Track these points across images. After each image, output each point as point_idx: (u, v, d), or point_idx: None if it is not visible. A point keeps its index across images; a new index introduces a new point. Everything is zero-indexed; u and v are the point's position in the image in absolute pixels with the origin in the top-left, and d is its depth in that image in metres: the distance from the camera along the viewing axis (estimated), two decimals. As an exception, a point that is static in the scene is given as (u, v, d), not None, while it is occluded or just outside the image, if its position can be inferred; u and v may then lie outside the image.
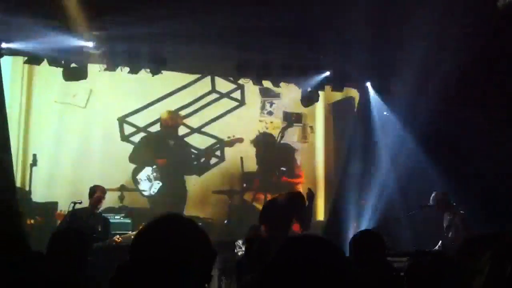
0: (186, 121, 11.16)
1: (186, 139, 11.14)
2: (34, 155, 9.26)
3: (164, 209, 9.66)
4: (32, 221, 8.63)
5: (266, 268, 1.46)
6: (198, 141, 11.20)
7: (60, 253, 3.08)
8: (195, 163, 11.15)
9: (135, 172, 10.62)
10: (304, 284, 1.37)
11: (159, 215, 1.77)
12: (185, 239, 1.66)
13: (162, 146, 10.83)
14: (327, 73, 9.46)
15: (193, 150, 11.16)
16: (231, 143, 11.24)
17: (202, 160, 11.15)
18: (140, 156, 10.67)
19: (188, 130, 11.16)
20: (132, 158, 10.64)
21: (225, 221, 10.04)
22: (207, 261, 1.68)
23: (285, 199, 6.63)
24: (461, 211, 7.53)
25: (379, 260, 3.59)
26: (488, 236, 2.74)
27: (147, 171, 10.64)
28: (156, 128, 10.90)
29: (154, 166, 10.67)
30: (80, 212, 7.21)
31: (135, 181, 10.56)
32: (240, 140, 11.26)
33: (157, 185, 10.53)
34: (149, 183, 10.58)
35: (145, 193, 10.55)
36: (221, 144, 11.30)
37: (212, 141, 11.27)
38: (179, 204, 10.53)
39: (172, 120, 10.94)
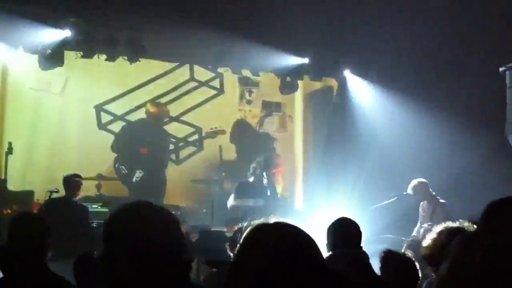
0: (168, 111, 11.09)
1: (165, 127, 11.07)
2: (10, 143, 9.10)
3: (144, 197, 9.61)
4: (9, 211, 8.51)
5: (234, 257, 1.44)
6: (176, 130, 11.15)
7: (20, 239, 2.99)
8: (174, 152, 11.11)
9: (116, 160, 10.52)
10: (273, 272, 1.35)
11: (130, 202, 1.77)
12: (154, 225, 1.64)
13: (143, 136, 10.74)
14: (306, 61, 9.49)
15: (171, 139, 11.11)
16: (213, 134, 11.21)
17: (182, 149, 11.12)
18: (122, 145, 10.58)
19: (166, 119, 11.10)
20: (113, 147, 10.54)
21: (204, 210, 10.05)
22: (179, 249, 1.66)
23: None
24: (442, 200, 7.66)
25: (356, 247, 3.64)
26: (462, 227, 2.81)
27: (129, 159, 10.53)
28: (136, 116, 10.81)
29: (135, 155, 10.58)
30: (57, 201, 7.14)
31: (117, 170, 10.45)
32: (222, 132, 11.22)
33: (139, 174, 10.45)
34: (130, 172, 10.48)
35: (127, 182, 10.44)
36: (199, 133, 11.26)
37: (191, 129, 11.23)
38: (159, 193, 10.49)
39: (158, 112, 10.86)
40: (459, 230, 2.91)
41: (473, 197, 6.73)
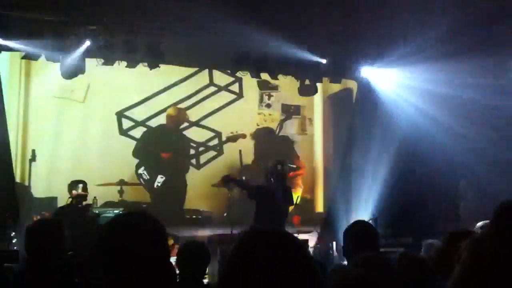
0: (187, 115, 11.16)
1: (184, 132, 11.14)
2: (33, 151, 9.26)
3: (165, 202, 9.69)
4: (38, 218, 8.61)
5: (225, 263, 1.44)
6: (196, 135, 11.21)
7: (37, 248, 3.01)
8: (194, 157, 11.17)
9: (138, 166, 10.62)
10: (263, 279, 1.34)
11: (125, 212, 1.81)
12: (136, 236, 1.67)
13: (165, 141, 10.83)
14: (324, 61, 9.46)
15: (192, 144, 11.17)
16: (234, 138, 11.24)
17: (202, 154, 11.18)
18: (144, 151, 10.68)
19: (186, 124, 11.17)
20: (135, 153, 10.65)
21: (225, 214, 10.07)
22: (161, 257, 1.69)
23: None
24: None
25: (372, 249, 3.58)
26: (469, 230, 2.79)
27: (151, 165, 10.63)
28: (157, 122, 10.90)
29: (157, 161, 10.68)
30: (64, 209, 7.03)
31: (138, 176, 10.56)
32: (243, 136, 11.25)
33: (160, 179, 10.54)
34: (152, 177, 10.57)
35: (149, 187, 10.54)
36: (219, 137, 11.30)
37: (211, 134, 11.28)
38: (180, 198, 10.56)
39: (179, 116, 10.96)
40: (467, 234, 2.88)
41: None
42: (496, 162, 8.17)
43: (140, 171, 10.61)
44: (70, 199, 7.09)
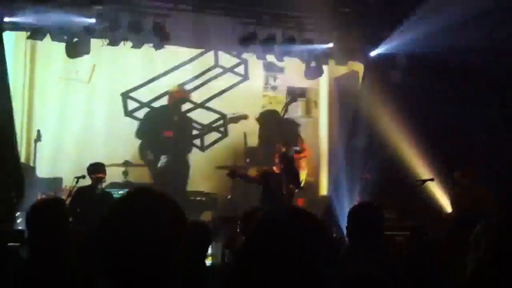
0: (190, 96, 11.11)
1: (189, 114, 11.12)
2: (38, 131, 9.27)
3: (169, 183, 9.69)
4: (44, 197, 8.66)
5: (244, 244, 1.43)
6: (201, 116, 11.19)
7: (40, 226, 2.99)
8: (198, 137, 11.15)
9: (142, 146, 10.61)
10: (283, 259, 1.34)
11: (132, 189, 1.77)
12: (151, 211, 1.64)
13: (167, 120, 10.80)
14: (331, 45, 9.39)
15: (196, 125, 11.15)
16: (236, 119, 11.22)
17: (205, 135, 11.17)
18: (147, 131, 10.67)
19: (191, 105, 11.14)
20: (138, 133, 10.64)
21: (228, 196, 10.09)
22: (176, 235, 1.65)
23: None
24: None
25: (377, 232, 3.54)
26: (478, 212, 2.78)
27: (154, 145, 10.61)
28: (161, 102, 10.88)
29: (160, 140, 10.64)
30: (83, 189, 7.26)
31: (143, 156, 10.53)
32: (245, 117, 11.22)
33: (164, 159, 10.52)
34: (156, 157, 10.55)
35: (152, 168, 10.52)
36: (224, 119, 11.28)
37: (216, 116, 11.26)
38: (184, 178, 10.56)
39: (180, 95, 10.91)
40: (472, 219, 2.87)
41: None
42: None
43: (143, 151, 10.59)
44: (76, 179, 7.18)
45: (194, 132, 11.15)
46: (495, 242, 2.10)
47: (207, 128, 11.21)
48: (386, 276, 2.09)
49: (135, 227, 1.58)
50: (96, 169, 7.35)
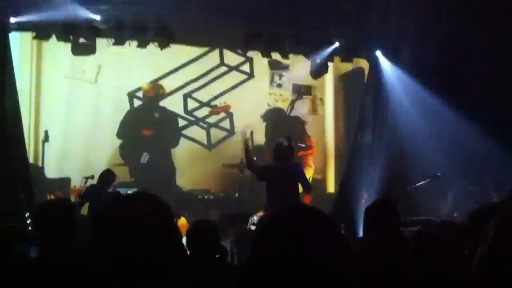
0: (195, 95, 11.12)
1: (195, 113, 11.13)
2: (46, 131, 9.32)
3: (152, 180, 9.48)
4: (52, 197, 8.71)
5: (254, 241, 1.42)
6: (207, 115, 11.21)
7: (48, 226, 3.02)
8: (204, 137, 11.15)
9: (122, 146, 10.41)
10: (295, 257, 1.33)
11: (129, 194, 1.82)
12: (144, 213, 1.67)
13: (147, 118, 10.66)
14: (336, 44, 9.37)
15: (188, 117, 11.05)
16: (217, 112, 11.17)
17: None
18: (126, 130, 10.49)
19: (197, 104, 11.16)
20: (119, 134, 10.46)
21: (236, 195, 10.11)
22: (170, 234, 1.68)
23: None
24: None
25: (393, 230, 3.56)
26: (493, 206, 2.77)
27: (134, 143, 10.41)
28: (168, 102, 10.86)
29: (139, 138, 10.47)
30: (93, 189, 7.33)
31: (123, 155, 10.28)
32: (227, 107, 11.17)
33: (145, 156, 10.27)
34: (137, 155, 10.26)
35: (135, 166, 10.26)
36: (230, 118, 11.29)
37: (222, 114, 11.27)
38: (169, 174, 10.39)
39: (154, 91, 10.82)
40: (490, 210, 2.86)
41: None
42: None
43: (123, 151, 10.34)
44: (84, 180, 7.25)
45: (183, 123, 11.01)
46: (500, 236, 2.09)
47: (214, 127, 11.21)
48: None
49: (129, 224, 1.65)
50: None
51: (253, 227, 6.73)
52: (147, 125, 10.58)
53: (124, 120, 10.58)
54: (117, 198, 1.78)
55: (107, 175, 7.46)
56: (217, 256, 3.85)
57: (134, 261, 1.61)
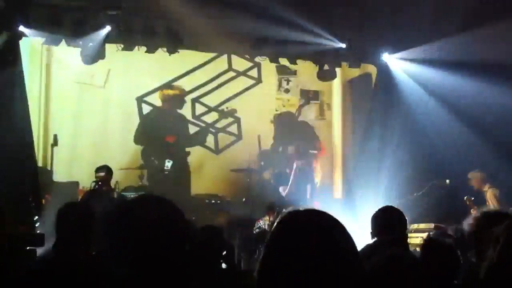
0: (204, 100, 11.16)
1: (203, 117, 11.17)
2: (55, 135, 9.37)
3: (174, 187, 9.56)
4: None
5: (266, 246, 1.43)
6: (215, 120, 11.24)
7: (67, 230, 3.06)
8: (212, 141, 11.17)
9: (145, 152, 10.47)
10: (304, 259, 1.35)
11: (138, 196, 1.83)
12: (153, 217, 1.68)
13: (166, 124, 10.70)
14: (344, 48, 9.38)
15: (200, 123, 11.10)
16: (225, 115, 11.20)
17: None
18: (148, 136, 10.55)
19: (205, 109, 11.20)
20: (138, 140, 10.51)
21: (243, 199, 10.12)
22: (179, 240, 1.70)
23: None
24: (493, 187, 7.54)
25: (399, 236, 3.58)
26: (503, 212, 2.77)
27: (158, 149, 10.55)
28: (148, 106, 10.83)
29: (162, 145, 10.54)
30: (94, 193, 7.27)
31: (147, 162, 10.32)
32: (233, 111, 11.19)
33: (168, 163, 10.34)
34: (160, 162, 10.39)
35: (158, 173, 10.31)
36: (238, 122, 11.32)
37: (229, 119, 11.31)
38: (187, 181, 10.44)
39: (174, 94, 10.87)
40: (500, 215, 2.85)
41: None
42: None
43: (147, 157, 10.37)
44: (93, 183, 7.24)
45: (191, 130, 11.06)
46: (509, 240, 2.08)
47: (222, 132, 11.24)
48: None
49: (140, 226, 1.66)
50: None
51: (257, 230, 6.76)
52: (170, 131, 10.64)
53: (142, 126, 10.63)
54: (128, 202, 1.79)
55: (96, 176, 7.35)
56: (223, 253, 3.88)
57: (144, 265, 1.63)
